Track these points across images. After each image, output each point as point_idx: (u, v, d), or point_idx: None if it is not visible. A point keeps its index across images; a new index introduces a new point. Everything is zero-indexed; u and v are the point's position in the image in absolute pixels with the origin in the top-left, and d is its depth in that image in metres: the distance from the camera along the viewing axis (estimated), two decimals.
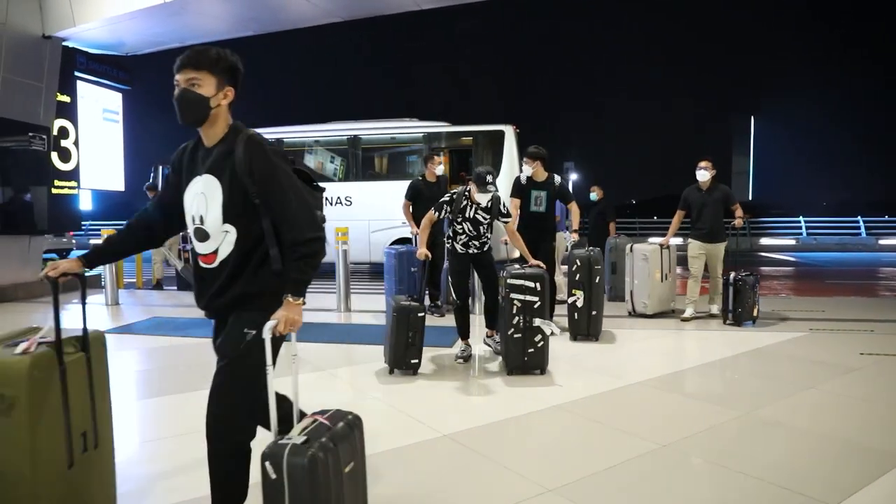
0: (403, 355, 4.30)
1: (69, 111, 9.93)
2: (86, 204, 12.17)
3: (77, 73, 10.42)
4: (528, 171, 6.01)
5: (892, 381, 4.23)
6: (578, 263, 5.34)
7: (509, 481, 2.67)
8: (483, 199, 4.56)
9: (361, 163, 11.85)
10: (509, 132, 10.84)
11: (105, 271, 8.02)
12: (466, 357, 4.74)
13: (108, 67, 11.28)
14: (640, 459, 2.89)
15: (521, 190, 5.78)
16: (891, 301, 8.62)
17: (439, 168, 7.04)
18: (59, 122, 9.47)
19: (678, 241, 7.31)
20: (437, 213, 4.66)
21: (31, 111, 8.59)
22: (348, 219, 10.08)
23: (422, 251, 4.57)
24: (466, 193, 4.65)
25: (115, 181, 12.35)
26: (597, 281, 5.29)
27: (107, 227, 9.27)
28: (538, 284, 4.25)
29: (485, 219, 4.65)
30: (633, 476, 2.73)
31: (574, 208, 5.96)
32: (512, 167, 10.70)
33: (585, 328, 5.34)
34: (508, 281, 4.29)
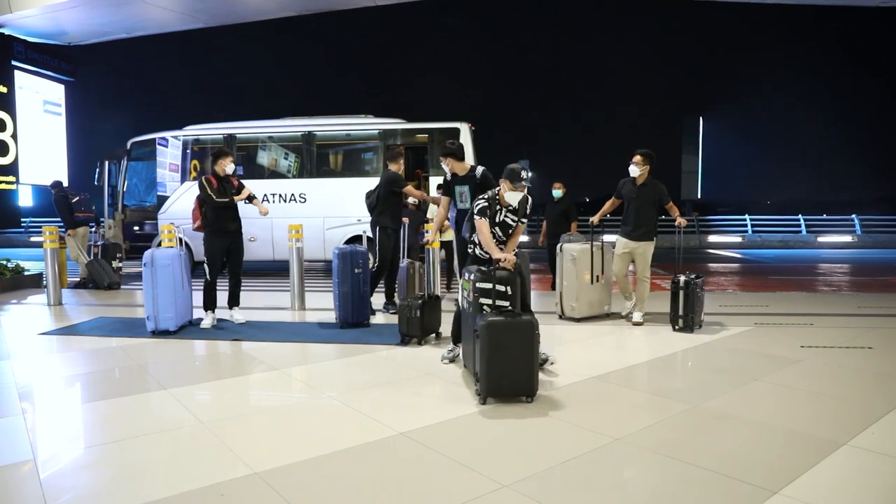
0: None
1: (6, 102, 9.50)
2: (26, 200, 11.64)
3: (14, 63, 9.96)
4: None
5: (830, 372, 4.42)
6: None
7: (465, 478, 2.68)
8: (514, 199, 4.30)
9: (316, 159, 11.71)
10: (465, 129, 10.87)
11: (47, 270, 7.69)
12: (452, 358, 4.68)
13: (49, 57, 10.81)
14: (594, 453, 2.94)
15: (447, 186, 5.48)
16: (828, 296, 9.01)
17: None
18: None
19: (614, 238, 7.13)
20: (482, 218, 4.30)
21: None
22: (303, 216, 9.96)
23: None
24: (496, 196, 4.37)
25: (58, 176, 11.87)
26: None
27: (48, 224, 8.88)
28: (509, 288, 3.98)
29: (514, 221, 4.42)
30: (586, 470, 2.78)
31: None
32: (469, 161, 10.73)
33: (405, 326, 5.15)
34: (477, 284, 3.99)
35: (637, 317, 6.11)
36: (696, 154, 31.61)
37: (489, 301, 3.94)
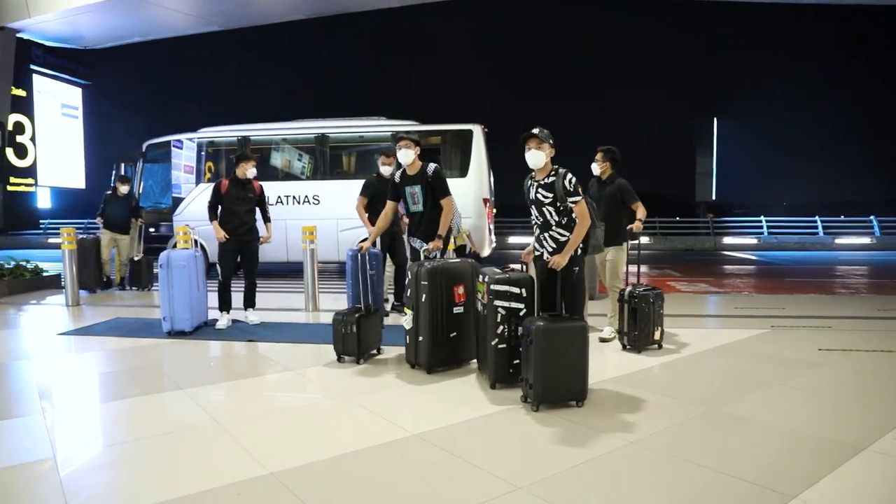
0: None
1: (25, 106, 9.63)
2: (44, 202, 11.79)
3: (33, 67, 10.10)
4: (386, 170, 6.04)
5: (849, 375, 4.37)
6: (409, 276, 4.38)
7: (479, 479, 2.68)
8: (530, 158, 3.94)
9: (329, 161, 11.75)
10: (477, 131, 10.86)
11: (65, 271, 7.78)
12: None
13: (67, 61, 10.95)
14: (610, 456, 2.93)
15: (395, 189, 5.01)
16: (847, 298, 8.90)
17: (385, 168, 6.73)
18: (14, 117, 9.17)
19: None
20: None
21: None
22: (316, 217, 9.98)
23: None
24: (532, 173, 4.05)
25: (76, 178, 12.03)
26: (423, 299, 4.26)
27: (66, 226, 8.99)
28: (524, 290, 3.88)
29: (545, 198, 3.93)
30: (602, 472, 2.76)
31: (445, 206, 4.88)
32: (480, 167, 10.73)
33: (413, 355, 4.43)
34: (492, 287, 3.88)
35: (607, 332, 5.46)
36: (710, 155, 31.33)
37: (505, 304, 3.87)
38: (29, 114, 9.70)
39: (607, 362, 4.72)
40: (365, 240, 5.06)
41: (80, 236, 8.73)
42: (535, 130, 3.90)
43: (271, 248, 10.64)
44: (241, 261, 6.25)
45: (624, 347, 5.09)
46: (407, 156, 4.84)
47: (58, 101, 11.31)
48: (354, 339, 4.62)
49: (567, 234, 3.91)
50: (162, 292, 5.75)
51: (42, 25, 8.62)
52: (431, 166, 4.87)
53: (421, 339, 4.30)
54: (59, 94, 11.29)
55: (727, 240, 22.34)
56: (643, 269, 14.65)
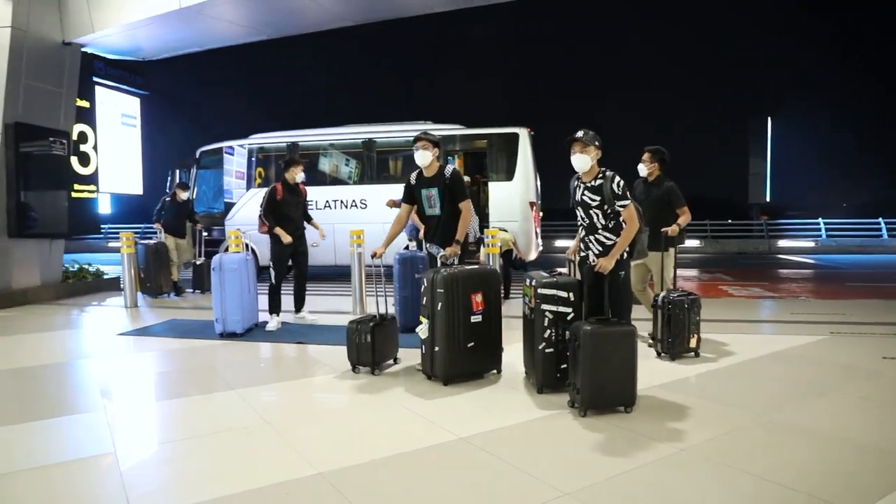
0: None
1: (88, 116, 10.07)
2: (104, 207, 12.28)
3: (96, 79, 10.55)
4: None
5: None
6: (424, 283, 4.21)
7: (525, 484, 2.66)
8: (576, 162, 3.86)
9: (376, 165, 11.89)
10: (524, 134, 10.81)
11: (124, 274, 8.10)
12: None
13: (126, 73, 11.40)
14: (659, 463, 2.87)
15: (410, 192, 4.81)
16: None
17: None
18: (78, 127, 9.60)
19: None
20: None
21: (51, 116, 8.73)
22: (364, 221, 10.11)
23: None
24: (579, 174, 3.98)
25: (134, 185, 12.48)
26: (438, 308, 4.09)
27: (125, 230, 9.35)
28: (571, 294, 3.85)
29: (592, 201, 3.87)
30: (651, 480, 2.71)
31: (463, 209, 4.67)
32: (527, 170, 10.67)
33: (429, 366, 4.26)
34: (539, 291, 3.87)
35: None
36: (764, 156, 30.38)
37: (552, 308, 3.84)
38: (91, 124, 10.14)
39: (655, 368, 4.62)
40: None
41: (146, 241, 8.96)
42: (580, 133, 3.85)
43: (319, 251, 10.81)
44: (292, 264, 6.42)
45: (658, 355, 4.91)
46: (424, 157, 4.62)
47: (118, 111, 11.78)
48: (369, 349, 4.49)
49: (613, 237, 3.84)
50: (214, 295, 5.92)
51: (104, 40, 9.01)
52: (450, 168, 4.67)
53: (437, 349, 4.13)
54: (118, 104, 11.76)
55: (782, 243, 21.57)
56: (693, 273, 14.31)
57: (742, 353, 5.06)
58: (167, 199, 9.31)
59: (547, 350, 3.87)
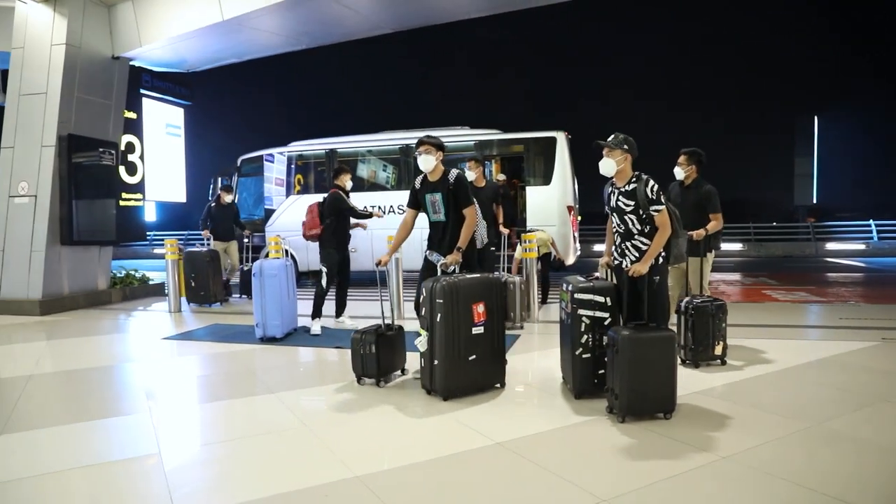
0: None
1: (135, 127, 10.42)
2: (150, 215, 12.68)
3: (142, 91, 10.92)
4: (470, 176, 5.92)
5: None
6: (423, 293, 4.03)
7: (561, 490, 2.64)
8: (604, 167, 3.86)
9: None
10: (561, 139, 10.75)
11: (169, 279, 8.33)
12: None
13: (171, 84, 11.77)
14: (700, 471, 2.81)
15: (414, 197, 4.66)
16: None
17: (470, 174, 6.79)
18: (126, 138, 9.94)
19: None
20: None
21: (101, 128, 9.06)
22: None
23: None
24: (612, 178, 3.95)
25: (178, 193, 12.84)
26: (438, 319, 3.88)
27: (170, 237, 9.62)
28: (608, 299, 3.79)
29: (626, 206, 3.81)
30: (691, 488, 2.65)
31: (467, 215, 4.45)
32: (564, 174, 10.61)
33: (428, 380, 4.06)
34: (575, 295, 3.83)
35: None
36: (811, 156, 29.48)
37: (589, 313, 3.80)
38: (138, 134, 10.49)
39: (693, 375, 4.53)
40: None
41: (195, 248, 9.00)
42: (610, 138, 3.84)
43: (357, 256, 10.95)
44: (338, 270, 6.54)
45: (682, 362, 4.70)
46: (427, 161, 4.45)
47: (163, 121, 12.15)
48: (374, 360, 4.33)
49: (650, 242, 3.77)
50: (255, 300, 6.04)
51: (150, 53, 9.33)
52: (454, 172, 4.47)
53: (436, 362, 3.92)
54: (164, 115, 12.13)
55: (830, 246, 20.88)
56: (735, 277, 13.97)
57: (786, 359, 4.92)
58: (212, 204, 9.40)
59: (584, 356, 3.83)
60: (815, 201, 29.11)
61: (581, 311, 3.81)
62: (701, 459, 2.93)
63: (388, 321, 4.59)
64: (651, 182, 3.75)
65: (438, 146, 4.48)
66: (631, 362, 3.39)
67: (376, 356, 4.32)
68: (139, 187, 10.26)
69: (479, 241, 4.61)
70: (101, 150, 9.00)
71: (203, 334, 6.61)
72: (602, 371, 3.78)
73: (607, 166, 3.84)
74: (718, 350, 4.74)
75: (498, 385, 4.23)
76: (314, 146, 12.44)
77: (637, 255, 3.81)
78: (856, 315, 6.97)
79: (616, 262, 3.96)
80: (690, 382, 4.19)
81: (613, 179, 3.92)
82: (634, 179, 3.80)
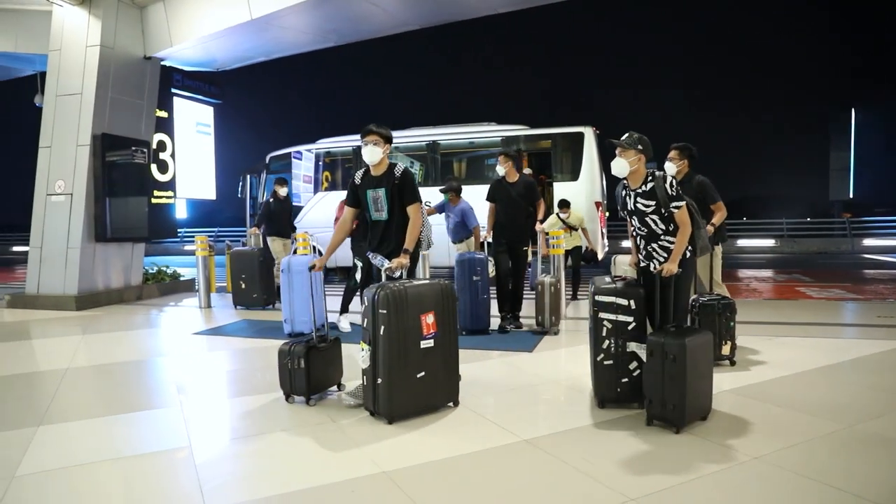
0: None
1: (167, 126, 10.61)
2: (181, 212, 12.90)
3: (174, 90, 11.11)
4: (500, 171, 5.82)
5: None
6: (365, 302, 3.57)
7: (589, 488, 2.61)
8: (618, 167, 3.69)
9: (440, 167, 11.97)
10: (589, 134, 10.66)
11: (199, 276, 8.47)
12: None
13: (201, 83, 11.95)
14: (730, 472, 2.76)
15: (354, 193, 4.14)
16: None
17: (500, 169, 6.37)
18: (157, 137, 10.13)
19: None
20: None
21: (133, 127, 9.24)
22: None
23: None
24: (625, 181, 3.77)
25: (207, 190, 13.04)
26: (381, 332, 3.41)
27: (200, 234, 9.78)
28: (632, 302, 3.57)
29: (647, 207, 3.64)
30: (722, 488, 2.60)
31: (412, 214, 3.99)
32: (592, 170, 10.52)
33: (371, 401, 3.56)
34: (597, 297, 3.65)
35: None
36: (847, 150, 28.65)
37: (611, 316, 3.63)
38: (170, 133, 10.67)
39: (725, 374, 4.44)
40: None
41: (246, 247, 8.65)
42: (624, 137, 3.69)
43: None
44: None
45: None
46: (374, 153, 3.98)
47: (193, 120, 12.35)
48: (303, 376, 3.84)
49: (674, 240, 3.64)
50: (283, 296, 6.10)
51: (181, 52, 9.48)
52: (400, 166, 4.05)
53: (380, 381, 3.44)
54: (194, 114, 12.32)
55: (867, 242, 20.35)
56: (767, 273, 13.69)
57: (819, 358, 4.81)
58: (270, 199, 8.59)
59: (606, 362, 3.64)
60: (851, 196, 28.31)
61: (603, 315, 3.62)
62: (733, 459, 2.88)
63: (321, 332, 4.17)
64: (669, 178, 3.61)
65: (387, 138, 4.04)
66: (692, 372, 3.21)
67: (306, 371, 3.83)
68: (170, 185, 10.45)
69: (424, 243, 4.28)
70: (133, 148, 9.19)
71: (233, 330, 6.70)
72: (626, 379, 3.59)
73: (620, 167, 3.66)
74: (726, 350, 4.59)
75: (451, 404, 3.78)
76: (342, 143, 12.52)
77: (665, 255, 3.66)
78: (894, 313, 6.77)
79: (643, 265, 3.77)
80: (719, 382, 4.12)
81: (626, 181, 3.75)
82: (650, 178, 3.64)
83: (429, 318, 3.55)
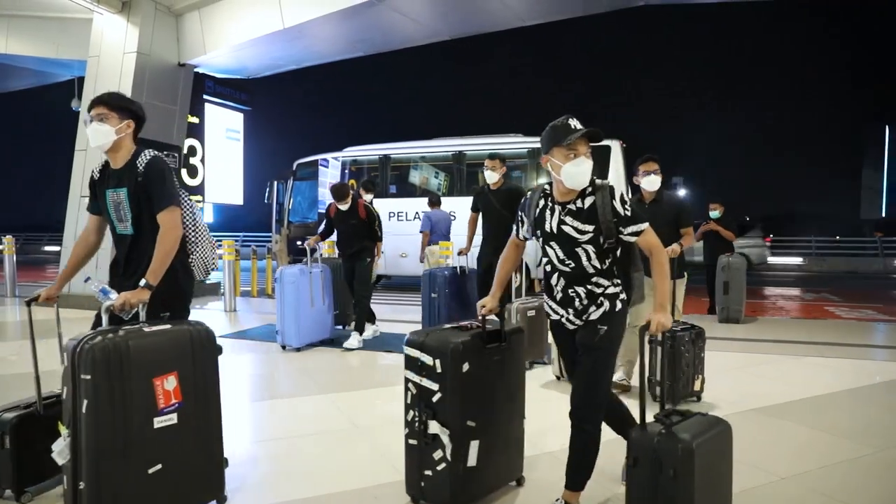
0: None
1: (197, 131, 10.83)
2: (208, 217, 13.12)
3: (205, 97, 11.36)
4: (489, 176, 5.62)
5: None
6: (65, 363, 2.27)
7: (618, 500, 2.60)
8: (572, 175, 2.31)
9: (466, 178, 12.01)
10: (615, 147, 10.61)
11: (225, 280, 8.59)
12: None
13: (232, 90, 12.19)
14: (753, 492, 2.72)
15: (94, 195, 2.79)
16: None
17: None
18: (188, 142, 10.35)
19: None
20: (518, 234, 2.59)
21: (166, 132, 9.45)
22: (452, 233, 10.23)
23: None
24: (547, 189, 2.48)
25: (235, 195, 13.24)
26: (83, 409, 2.12)
27: (227, 238, 9.94)
28: (439, 362, 2.43)
29: (580, 233, 2.34)
30: None
31: (164, 226, 2.62)
32: (619, 184, 10.45)
33: None
34: (405, 348, 2.57)
35: (618, 376, 4.27)
36: (880, 168, 28.13)
37: (415, 378, 2.52)
38: (200, 138, 10.90)
39: (746, 390, 4.38)
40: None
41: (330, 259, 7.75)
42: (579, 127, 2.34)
43: (409, 262, 11.07)
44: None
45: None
46: (100, 134, 2.65)
47: (223, 126, 12.57)
48: (8, 460, 2.59)
49: (608, 283, 2.38)
50: (277, 307, 6.11)
51: (214, 60, 9.70)
52: (148, 153, 2.65)
53: (82, 485, 2.13)
54: (224, 120, 12.55)
55: None
56: (794, 292, 13.45)
57: (849, 380, 4.71)
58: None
59: (410, 441, 2.56)
60: (883, 215, 27.75)
61: (407, 374, 2.56)
62: (757, 480, 2.84)
63: (45, 395, 2.79)
64: (619, 192, 2.37)
65: (127, 110, 2.68)
66: (701, 490, 2.04)
67: (13, 453, 2.60)
68: (199, 189, 10.65)
69: (200, 269, 2.91)
70: (165, 153, 9.36)
71: (257, 334, 6.78)
72: (429, 472, 2.49)
73: (584, 170, 2.31)
74: (698, 385, 4.05)
75: (214, 502, 2.59)
76: (369, 152, 12.63)
77: (590, 304, 2.38)
78: None
79: (557, 317, 2.49)
80: (747, 395, 4.06)
81: (547, 188, 2.49)
82: (590, 190, 2.37)
83: (167, 383, 2.33)
